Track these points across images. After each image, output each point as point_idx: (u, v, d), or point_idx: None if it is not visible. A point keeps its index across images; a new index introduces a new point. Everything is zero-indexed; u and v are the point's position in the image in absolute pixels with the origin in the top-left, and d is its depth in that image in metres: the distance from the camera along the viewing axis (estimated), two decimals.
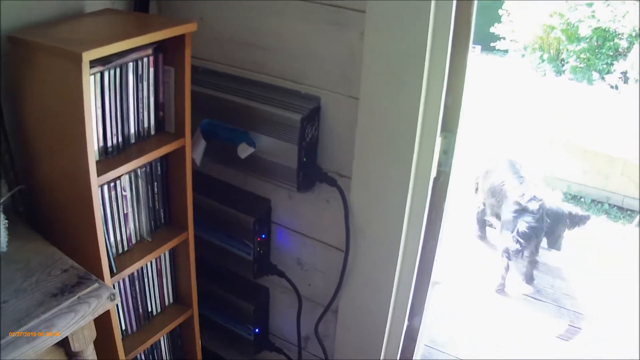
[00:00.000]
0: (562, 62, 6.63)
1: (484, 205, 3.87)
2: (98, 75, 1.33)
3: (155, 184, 1.61)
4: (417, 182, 1.57)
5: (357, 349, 1.88)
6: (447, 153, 1.59)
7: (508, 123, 5.81)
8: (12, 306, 1.20)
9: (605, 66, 6.14)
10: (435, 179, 1.62)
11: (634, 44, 5.86)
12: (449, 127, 1.56)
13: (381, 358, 1.85)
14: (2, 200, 1.40)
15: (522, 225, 3.51)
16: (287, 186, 1.71)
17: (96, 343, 1.35)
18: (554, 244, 3.85)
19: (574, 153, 4.88)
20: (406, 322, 1.81)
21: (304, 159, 1.63)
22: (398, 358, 1.87)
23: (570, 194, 5.02)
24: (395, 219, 1.61)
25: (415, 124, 1.48)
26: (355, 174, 1.63)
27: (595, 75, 6.13)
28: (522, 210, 3.53)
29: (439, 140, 1.54)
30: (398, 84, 1.47)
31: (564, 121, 5.01)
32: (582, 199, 4.99)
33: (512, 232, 3.54)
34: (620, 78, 5.87)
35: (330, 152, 1.68)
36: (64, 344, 1.26)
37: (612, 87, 5.88)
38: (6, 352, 1.11)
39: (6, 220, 1.36)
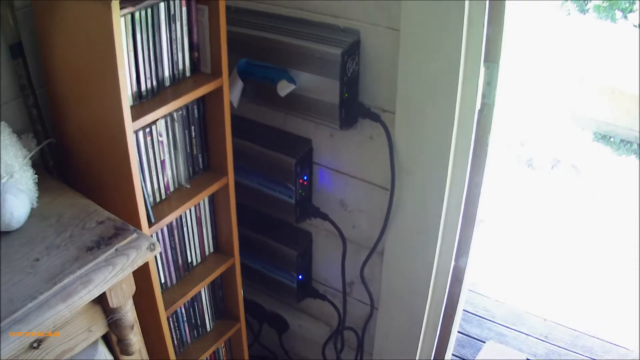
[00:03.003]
0: (586, 1, 6.42)
1: None
2: (129, 17, 1.25)
3: (193, 127, 1.53)
4: (462, 114, 1.49)
5: (403, 292, 1.81)
6: (490, 84, 1.50)
7: (536, 61, 5.63)
8: (45, 264, 1.14)
9: (627, 5, 5.96)
10: (480, 112, 1.54)
11: None
12: (492, 57, 1.47)
13: (428, 300, 1.78)
14: (30, 155, 1.33)
15: None
16: (328, 123, 1.63)
17: (135, 298, 1.30)
18: None
19: (603, 92, 4.77)
20: (453, 263, 1.74)
21: (346, 95, 1.55)
22: (445, 300, 1.80)
23: (599, 134, 4.92)
24: (441, 154, 1.54)
25: (459, 54, 1.39)
26: (399, 108, 1.55)
27: (619, 14, 5.95)
28: None
29: (482, 70, 1.45)
30: (439, 13, 1.37)
31: (592, 60, 4.89)
32: (612, 139, 4.88)
33: None
34: None
35: (372, 87, 1.59)
36: (101, 300, 1.20)
37: (635, 26, 5.69)
38: (41, 312, 1.05)
39: (35, 175, 1.29)
